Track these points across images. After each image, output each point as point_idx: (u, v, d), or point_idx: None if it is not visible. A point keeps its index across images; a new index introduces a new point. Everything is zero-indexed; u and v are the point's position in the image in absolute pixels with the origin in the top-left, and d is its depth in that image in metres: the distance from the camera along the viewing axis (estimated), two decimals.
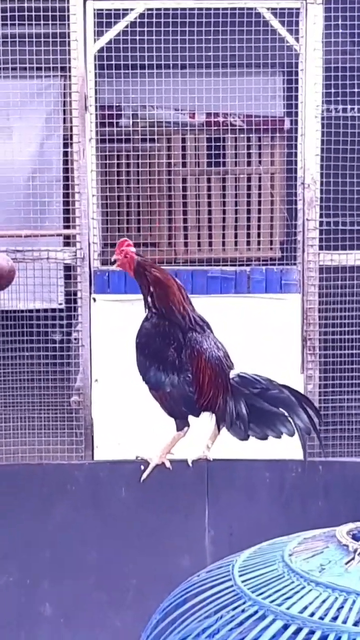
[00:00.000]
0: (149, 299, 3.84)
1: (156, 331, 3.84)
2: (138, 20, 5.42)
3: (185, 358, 3.84)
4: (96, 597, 3.98)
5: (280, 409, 3.78)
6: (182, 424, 3.92)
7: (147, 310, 3.86)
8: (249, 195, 6.46)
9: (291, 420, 3.78)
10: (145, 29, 5.41)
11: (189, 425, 3.92)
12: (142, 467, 3.93)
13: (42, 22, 5.38)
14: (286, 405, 3.78)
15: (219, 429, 3.91)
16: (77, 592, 4.00)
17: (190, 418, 3.93)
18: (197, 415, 3.91)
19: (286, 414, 3.78)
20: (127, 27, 5.43)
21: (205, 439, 3.99)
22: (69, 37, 5.38)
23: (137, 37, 5.43)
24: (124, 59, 5.50)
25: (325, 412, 5.49)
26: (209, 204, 6.56)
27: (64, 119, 6.08)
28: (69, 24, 5.36)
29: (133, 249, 3.87)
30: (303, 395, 4.12)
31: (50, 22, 5.37)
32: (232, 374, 3.88)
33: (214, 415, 3.91)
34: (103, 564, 3.99)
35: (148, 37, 5.43)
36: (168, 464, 3.93)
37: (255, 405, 3.80)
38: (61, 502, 4.01)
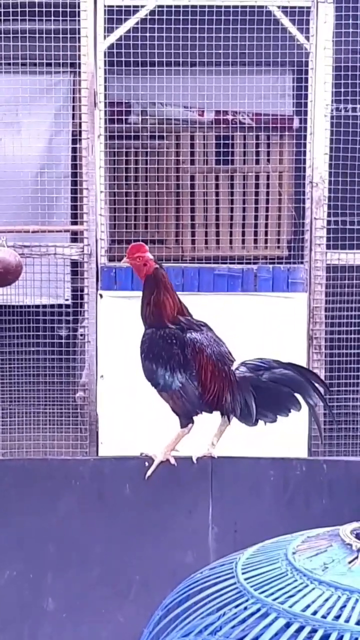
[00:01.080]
0: (145, 312, 3.93)
1: (158, 335, 3.90)
2: (148, 17, 5.43)
3: (188, 356, 3.89)
4: (99, 592, 3.99)
5: (286, 387, 3.84)
6: (186, 421, 3.95)
7: (144, 323, 3.95)
8: (257, 194, 6.47)
9: (297, 396, 3.85)
10: (156, 25, 5.42)
11: (193, 422, 3.95)
12: (147, 464, 3.94)
13: (52, 17, 5.38)
14: (292, 382, 3.86)
15: (229, 420, 3.96)
16: (80, 586, 4.00)
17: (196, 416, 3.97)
18: (209, 411, 3.96)
19: (292, 390, 3.84)
20: (137, 23, 5.44)
21: (210, 436, 4.00)
22: (79, 33, 5.38)
23: (147, 34, 5.44)
24: (133, 56, 5.50)
25: (331, 418, 5.49)
26: (217, 202, 6.57)
27: (73, 115, 6.09)
28: (79, 20, 5.36)
29: (151, 256, 3.93)
30: (308, 370, 4.19)
31: (60, 18, 5.37)
32: (235, 365, 3.94)
33: (219, 411, 3.96)
34: (107, 559, 4.00)
35: (158, 34, 5.43)
36: (173, 461, 3.95)
37: (261, 387, 3.89)
38: (65, 497, 4.02)
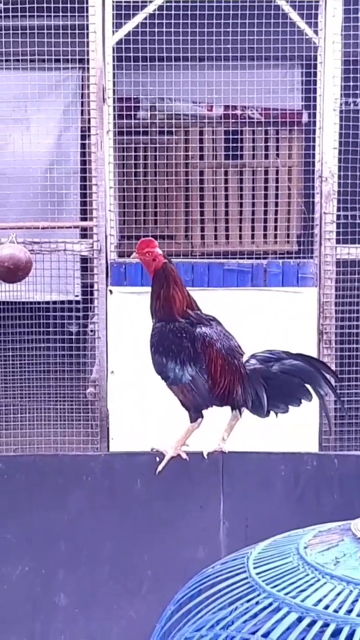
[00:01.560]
0: (155, 306, 3.94)
1: (167, 328, 3.91)
2: (156, 12, 5.42)
3: (198, 349, 3.90)
4: (111, 587, 4.00)
5: (297, 378, 3.86)
6: (196, 415, 3.96)
7: (152, 317, 3.96)
8: (266, 188, 6.46)
9: (308, 386, 3.86)
10: (164, 21, 5.41)
11: (202, 417, 3.96)
12: (158, 459, 3.94)
13: (60, 14, 5.38)
14: (302, 372, 3.89)
15: (240, 414, 3.97)
16: (92, 582, 4.01)
17: (205, 410, 3.97)
18: (219, 405, 3.97)
19: (302, 381, 3.86)
20: (145, 19, 5.43)
21: (220, 431, 4.01)
22: (87, 29, 5.38)
23: (156, 30, 5.43)
24: (142, 51, 5.49)
25: (341, 406, 5.49)
26: (226, 197, 6.56)
27: (82, 110, 6.09)
28: (87, 16, 5.35)
29: (159, 251, 3.94)
30: (317, 360, 4.21)
31: (69, 14, 5.37)
32: (245, 357, 3.95)
33: (230, 405, 3.97)
34: (118, 554, 4.01)
35: (166, 29, 5.42)
36: (184, 455, 3.96)
37: (272, 379, 3.92)
38: (77, 493, 4.03)
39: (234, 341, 4.01)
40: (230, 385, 3.91)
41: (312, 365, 3.91)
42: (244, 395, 3.91)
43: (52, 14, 5.39)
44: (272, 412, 3.94)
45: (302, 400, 3.92)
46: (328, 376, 3.92)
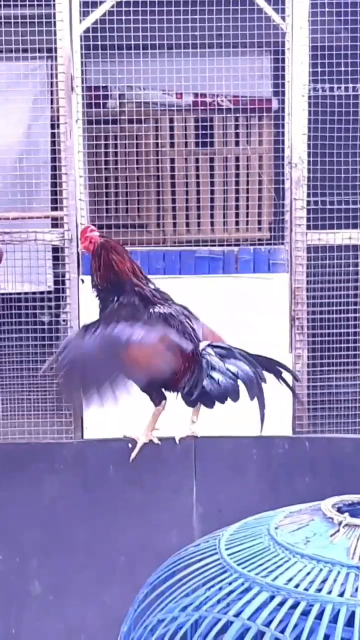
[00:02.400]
0: (94, 276, 3.90)
1: (119, 304, 3.87)
2: (124, 0, 5.40)
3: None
4: (85, 573, 4.01)
5: (235, 381, 3.83)
6: (158, 398, 3.93)
7: (93, 289, 3.92)
8: (237, 175, 6.46)
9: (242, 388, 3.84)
10: (131, 8, 5.40)
11: (165, 399, 3.93)
12: (130, 445, 3.95)
13: (27, 2, 5.35)
14: (245, 377, 3.83)
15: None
16: (66, 569, 4.03)
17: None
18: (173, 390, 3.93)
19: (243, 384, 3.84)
20: (112, 7, 5.42)
21: (189, 413, 3.99)
22: (54, 18, 5.35)
23: (123, 17, 5.42)
24: (110, 40, 5.48)
25: (314, 391, 5.52)
26: (198, 185, 6.57)
27: (52, 100, 6.06)
28: (54, 5, 5.33)
29: (97, 233, 3.93)
30: (275, 362, 4.08)
31: (35, 2, 5.34)
32: (202, 345, 3.92)
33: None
34: (92, 541, 4.02)
35: (134, 17, 5.41)
36: (156, 440, 3.96)
37: (215, 379, 3.84)
38: (50, 480, 4.03)
39: (189, 325, 3.96)
40: (183, 373, 3.87)
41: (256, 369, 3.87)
42: (188, 382, 3.86)
43: (19, 2, 5.36)
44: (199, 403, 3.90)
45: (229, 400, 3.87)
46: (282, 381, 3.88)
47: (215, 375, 3.84)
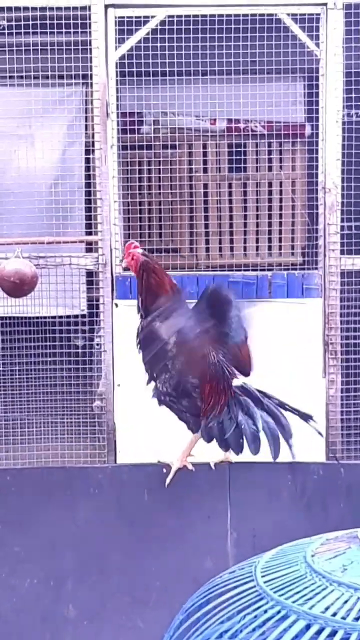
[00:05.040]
0: (139, 302, 3.94)
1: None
2: (159, 27, 5.45)
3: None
4: (119, 598, 4.01)
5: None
6: (196, 425, 3.95)
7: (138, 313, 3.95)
8: (270, 200, 6.48)
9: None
10: (166, 35, 5.44)
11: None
12: (165, 470, 3.96)
13: (63, 30, 5.42)
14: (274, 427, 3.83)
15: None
16: (100, 593, 4.02)
17: None
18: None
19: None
20: (148, 34, 5.46)
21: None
22: (90, 45, 5.41)
23: (158, 44, 5.46)
24: (145, 66, 5.52)
25: (347, 417, 5.49)
26: (230, 210, 6.59)
27: (86, 126, 6.12)
28: (90, 32, 5.39)
29: (140, 251, 3.94)
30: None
31: (72, 30, 5.40)
32: (236, 382, 3.92)
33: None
34: (126, 565, 4.02)
35: (169, 43, 5.45)
36: (190, 466, 3.97)
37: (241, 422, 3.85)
38: (84, 505, 4.04)
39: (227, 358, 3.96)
40: (214, 405, 3.87)
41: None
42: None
43: (55, 30, 5.43)
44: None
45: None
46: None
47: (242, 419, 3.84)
